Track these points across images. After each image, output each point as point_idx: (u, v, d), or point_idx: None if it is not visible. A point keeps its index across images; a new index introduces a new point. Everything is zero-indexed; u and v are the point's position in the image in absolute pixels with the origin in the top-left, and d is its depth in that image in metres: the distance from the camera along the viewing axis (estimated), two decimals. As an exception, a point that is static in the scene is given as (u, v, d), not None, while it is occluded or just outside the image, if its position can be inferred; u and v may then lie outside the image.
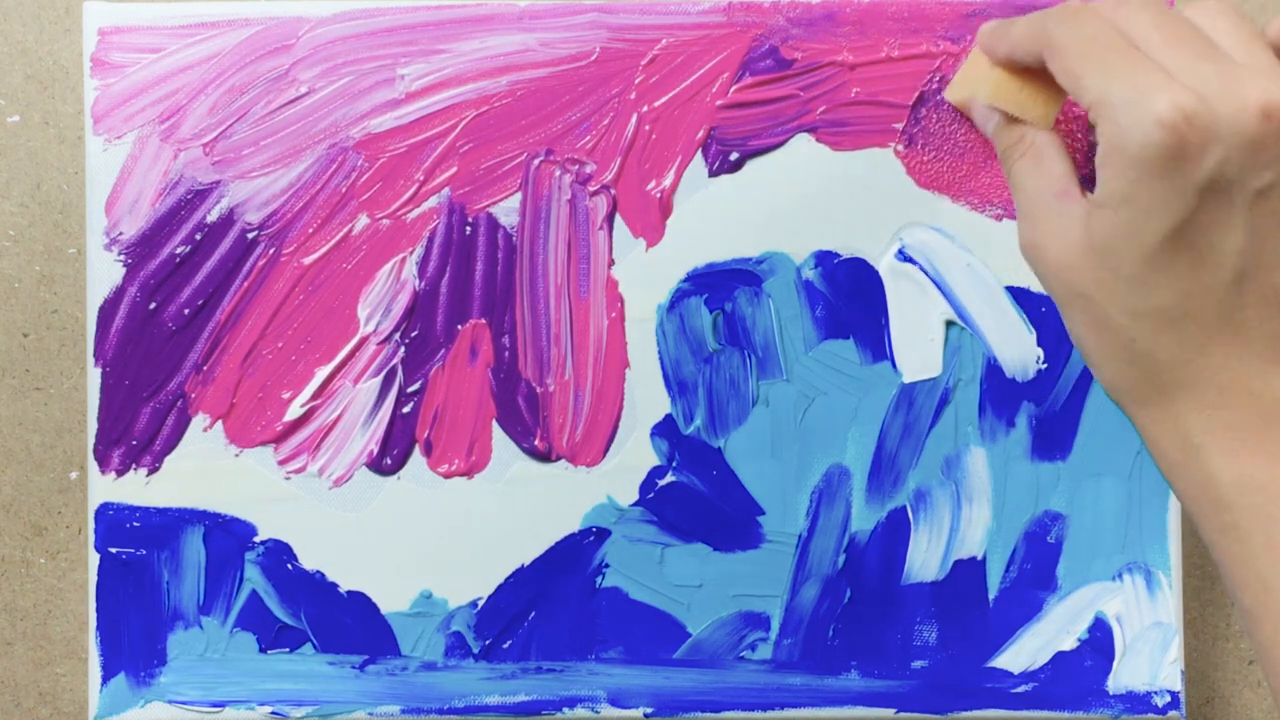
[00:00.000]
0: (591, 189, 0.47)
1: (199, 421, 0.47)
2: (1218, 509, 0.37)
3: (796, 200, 0.47)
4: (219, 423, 0.47)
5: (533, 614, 0.48)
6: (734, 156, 0.47)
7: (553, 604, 0.47)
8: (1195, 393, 0.37)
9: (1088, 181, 0.38)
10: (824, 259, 0.47)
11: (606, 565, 0.47)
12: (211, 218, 0.47)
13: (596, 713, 0.47)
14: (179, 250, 0.47)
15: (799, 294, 0.47)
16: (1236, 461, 0.36)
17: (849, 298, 0.47)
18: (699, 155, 0.47)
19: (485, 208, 0.47)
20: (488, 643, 0.48)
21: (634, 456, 0.47)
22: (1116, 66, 0.36)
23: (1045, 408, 0.47)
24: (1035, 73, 0.40)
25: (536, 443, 0.47)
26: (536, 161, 0.47)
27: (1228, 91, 0.35)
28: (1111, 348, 0.38)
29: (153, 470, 0.47)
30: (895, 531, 0.47)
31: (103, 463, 0.47)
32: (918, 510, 0.47)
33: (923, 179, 0.47)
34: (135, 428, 0.47)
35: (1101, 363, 0.38)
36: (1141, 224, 0.36)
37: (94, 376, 0.47)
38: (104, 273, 0.47)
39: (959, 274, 0.47)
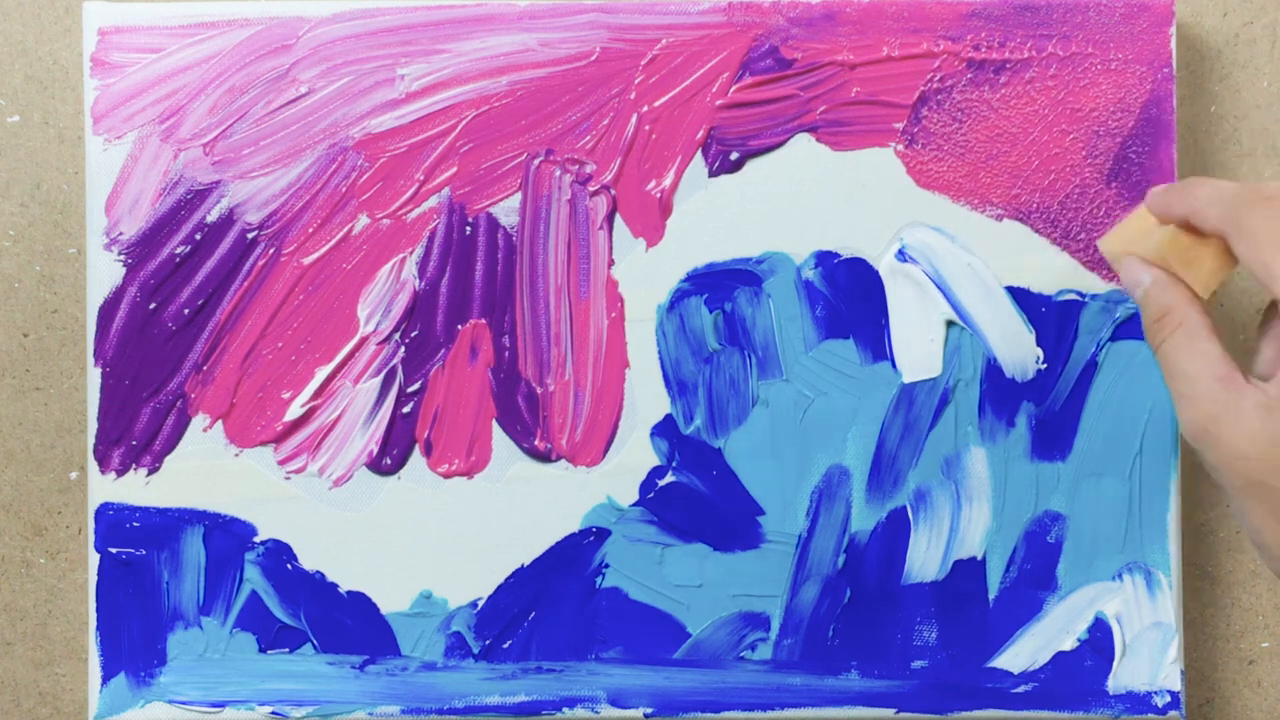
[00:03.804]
0: (591, 189, 0.47)
1: (199, 421, 0.47)
2: None
3: (796, 200, 0.47)
4: (219, 423, 0.47)
5: (533, 614, 0.48)
6: (734, 156, 0.47)
7: (553, 604, 0.47)
8: None
9: None
10: (824, 259, 0.47)
11: (606, 565, 0.47)
12: (211, 218, 0.47)
13: (596, 713, 0.47)
14: (179, 250, 0.47)
15: (799, 294, 0.47)
16: None
17: (849, 298, 0.47)
18: (699, 155, 0.47)
19: (485, 208, 0.47)
20: (488, 643, 0.47)
21: (634, 456, 0.47)
22: None
23: (1045, 408, 0.47)
24: (1206, 239, 0.40)
25: (536, 443, 0.47)
26: (536, 161, 0.47)
27: None
28: None
29: (153, 470, 0.47)
30: (895, 531, 0.47)
31: (103, 463, 0.47)
32: (918, 510, 0.47)
33: (923, 179, 0.47)
34: (135, 428, 0.47)
35: (1271, 543, 0.38)
36: None
37: (94, 376, 0.47)
38: (104, 273, 0.47)
39: (959, 274, 0.47)
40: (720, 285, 0.47)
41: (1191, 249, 0.41)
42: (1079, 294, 0.47)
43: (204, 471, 0.47)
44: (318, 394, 0.47)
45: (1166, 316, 0.40)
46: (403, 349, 0.47)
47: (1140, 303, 0.41)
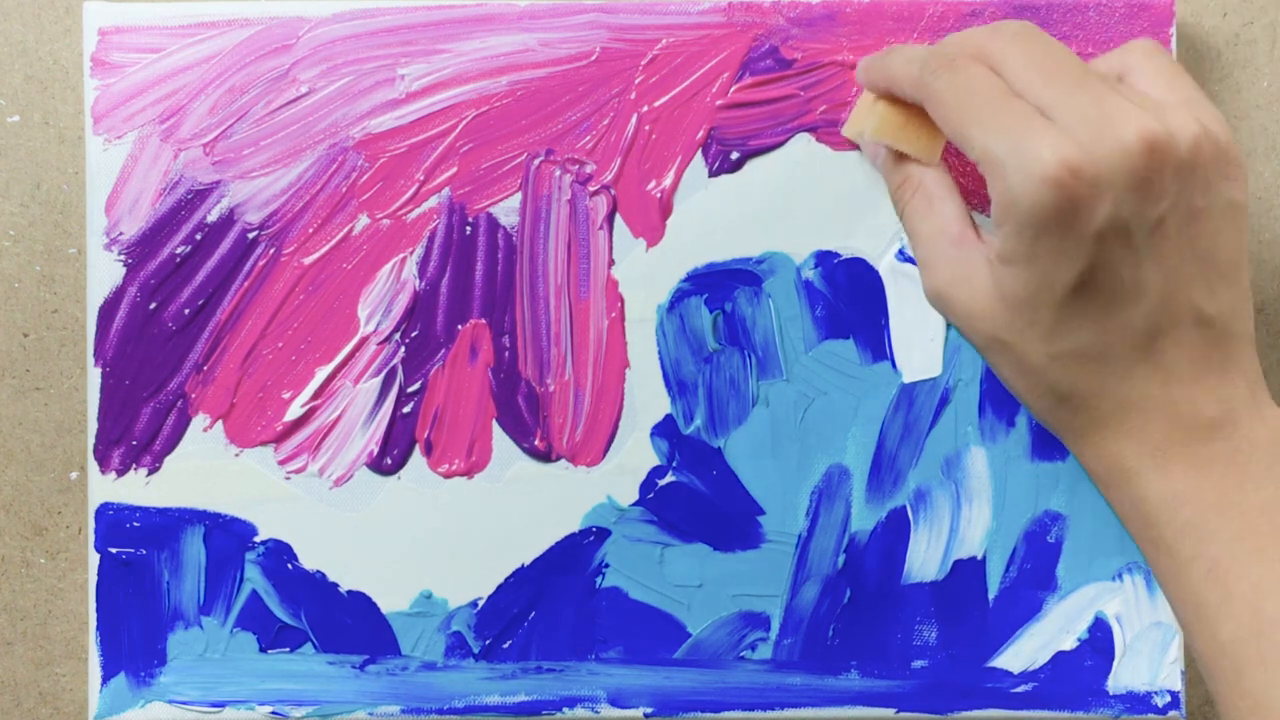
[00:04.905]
0: (591, 189, 0.47)
1: (199, 421, 0.47)
2: (1148, 526, 0.37)
3: (796, 200, 0.47)
4: (219, 423, 0.47)
5: (533, 614, 0.48)
6: (734, 156, 0.47)
7: (553, 604, 0.47)
8: (1121, 420, 0.37)
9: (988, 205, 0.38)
10: (824, 259, 0.47)
11: (606, 565, 0.47)
12: (211, 218, 0.47)
13: (596, 713, 0.47)
14: (179, 250, 0.47)
15: (799, 294, 0.47)
16: (1164, 479, 0.37)
17: (849, 298, 0.47)
18: (699, 155, 0.47)
19: (485, 208, 0.47)
20: (488, 643, 0.48)
21: (634, 456, 0.47)
22: (997, 121, 0.36)
23: (1045, 408, 0.47)
24: (918, 107, 0.40)
25: (536, 443, 0.47)
26: (536, 161, 0.47)
27: (1109, 131, 0.35)
28: (1037, 388, 0.38)
29: (153, 470, 0.47)
30: (895, 531, 0.47)
31: (103, 463, 0.47)
32: (918, 510, 0.47)
33: (923, 179, 0.47)
34: (135, 428, 0.47)
35: (1030, 402, 0.39)
36: (1047, 278, 0.36)
37: (94, 376, 0.47)
38: (104, 273, 0.47)
39: (959, 274, 0.47)
40: (720, 285, 0.47)
41: (907, 120, 0.41)
42: (1079, 294, 0.47)
43: (204, 471, 0.47)
44: (318, 394, 0.47)
45: (906, 181, 0.41)
46: (403, 349, 0.47)
47: (883, 174, 0.42)
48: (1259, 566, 0.36)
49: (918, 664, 0.47)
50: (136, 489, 0.47)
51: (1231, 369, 0.37)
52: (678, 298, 0.47)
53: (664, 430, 0.47)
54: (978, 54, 0.38)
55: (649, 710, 0.47)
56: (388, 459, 0.47)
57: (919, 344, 0.47)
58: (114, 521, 0.47)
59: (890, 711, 0.47)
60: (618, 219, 0.47)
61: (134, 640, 0.47)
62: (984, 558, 0.47)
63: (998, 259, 0.37)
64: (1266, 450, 0.37)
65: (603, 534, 0.47)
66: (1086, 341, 0.37)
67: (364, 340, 0.47)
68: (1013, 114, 0.36)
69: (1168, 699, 0.47)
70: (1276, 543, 0.36)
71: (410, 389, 0.47)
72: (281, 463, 0.47)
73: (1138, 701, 0.47)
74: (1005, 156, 0.35)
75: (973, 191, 0.46)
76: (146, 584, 0.47)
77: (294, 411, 0.47)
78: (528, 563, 0.48)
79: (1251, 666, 0.35)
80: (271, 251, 0.47)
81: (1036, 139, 0.35)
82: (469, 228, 0.47)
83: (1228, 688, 0.36)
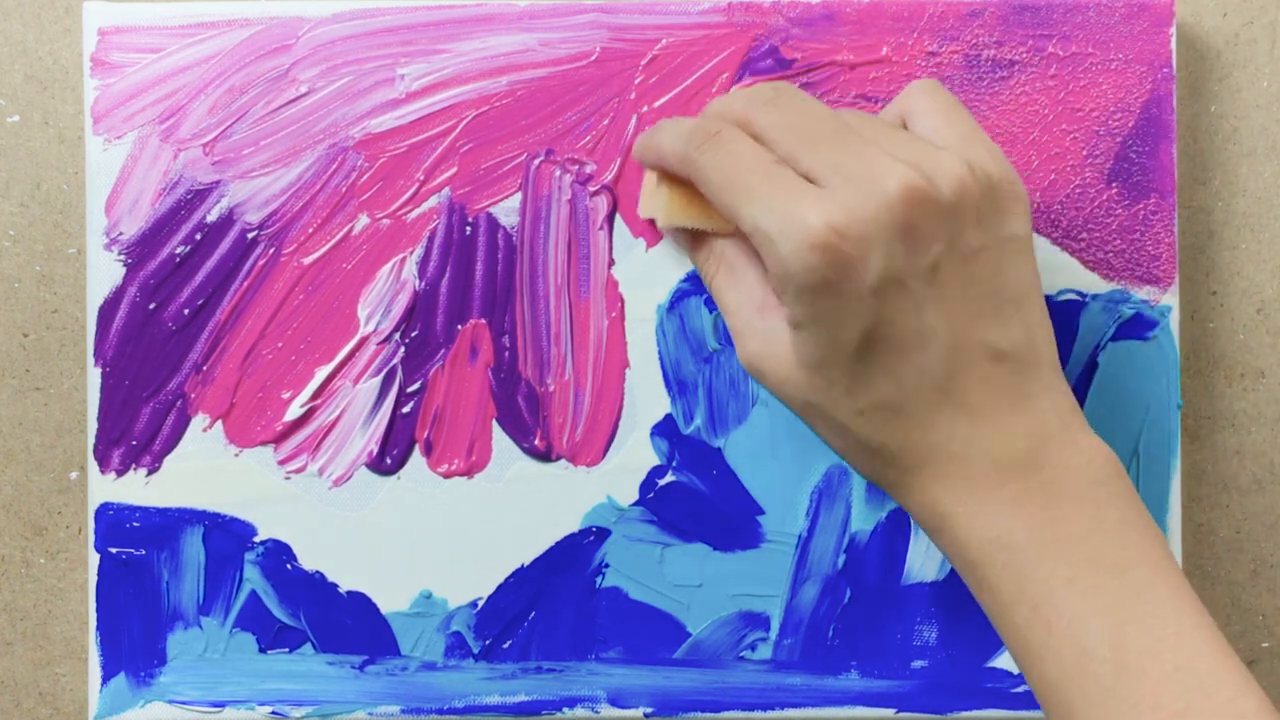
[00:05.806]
0: (591, 189, 0.47)
1: (199, 421, 0.47)
2: (972, 569, 0.37)
3: (796, 200, 0.47)
4: (219, 423, 0.47)
5: (533, 614, 0.48)
6: (734, 156, 0.47)
7: (553, 604, 0.47)
8: (933, 466, 0.37)
9: None
10: (824, 259, 0.47)
11: (606, 565, 0.47)
12: (211, 218, 0.47)
13: (596, 713, 0.47)
14: (179, 250, 0.47)
15: (799, 294, 0.47)
16: (980, 522, 0.37)
17: (849, 298, 0.47)
18: (699, 155, 0.47)
19: (485, 208, 0.47)
20: (488, 643, 0.48)
21: (634, 456, 0.47)
22: (762, 194, 0.36)
23: (1045, 408, 0.47)
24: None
25: (536, 443, 0.47)
26: (536, 161, 0.47)
27: (870, 188, 0.35)
28: (851, 446, 0.38)
29: (153, 470, 0.47)
30: (895, 531, 0.47)
31: (103, 463, 0.47)
32: (918, 510, 0.47)
33: (923, 179, 0.47)
34: (135, 428, 0.47)
35: (849, 460, 0.39)
36: (834, 339, 0.36)
37: (94, 376, 0.47)
38: (104, 273, 0.47)
39: (959, 274, 0.47)
40: (720, 285, 0.47)
41: (692, 198, 0.40)
42: (1079, 294, 0.47)
43: (204, 471, 0.47)
44: (318, 394, 0.47)
45: (710, 257, 0.41)
46: (403, 349, 0.47)
47: (687, 255, 0.42)
48: (1074, 600, 0.36)
49: (918, 664, 0.47)
50: (136, 489, 0.47)
51: (1037, 399, 0.38)
52: (678, 298, 0.47)
53: (664, 430, 0.47)
54: (740, 123, 0.38)
55: (649, 710, 0.47)
56: (387, 459, 0.47)
57: (919, 344, 0.47)
58: (114, 521, 0.47)
59: (890, 711, 0.47)
60: (618, 219, 0.47)
61: (134, 640, 0.47)
62: (984, 558, 0.47)
63: (788, 325, 0.37)
64: (1078, 479, 0.37)
65: (603, 534, 0.47)
66: (885, 393, 0.37)
67: (364, 340, 0.47)
68: (777, 185, 0.36)
69: (1168, 699, 0.47)
70: (1089, 572, 0.36)
71: (410, 389, 0.47)
72: (281, 463, 0.47)
73: (1138, 701, 0.47)
74: (773, 228, 0.36)
75: None
76: (146, 584, 0.47)
77: (294, 411, 0.47)
78: (528, 563, 0.48)
79: (1076, 701, 0.35)
80: (271, 251, 0.47)
81: (801, 207, 0.35)
82: (469, 228, 0.47)
83: None
